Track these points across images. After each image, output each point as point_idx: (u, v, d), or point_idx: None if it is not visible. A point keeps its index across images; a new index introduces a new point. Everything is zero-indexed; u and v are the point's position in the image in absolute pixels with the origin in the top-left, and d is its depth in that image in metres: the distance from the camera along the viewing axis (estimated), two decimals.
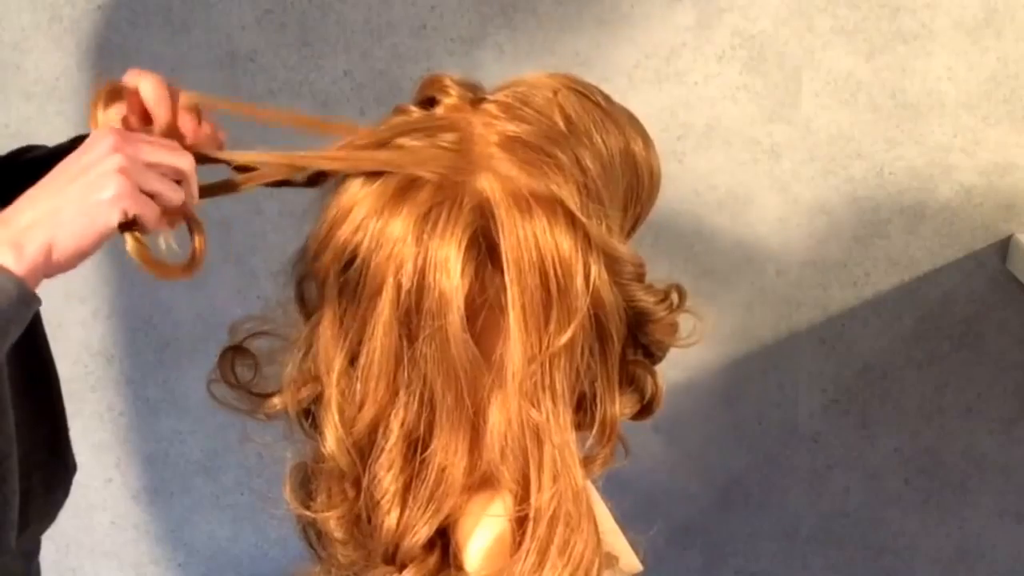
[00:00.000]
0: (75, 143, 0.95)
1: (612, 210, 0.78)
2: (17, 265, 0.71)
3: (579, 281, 0.72)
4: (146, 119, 0.84)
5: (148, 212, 0.75)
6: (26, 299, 0.72)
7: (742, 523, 1.86)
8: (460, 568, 0.79)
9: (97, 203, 0.72)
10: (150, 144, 0.77)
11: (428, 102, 0.80)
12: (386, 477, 0.77)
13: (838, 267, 1.64)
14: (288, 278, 0.82)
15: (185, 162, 0.78)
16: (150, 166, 0.75)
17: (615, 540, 0.89)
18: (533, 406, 0.73)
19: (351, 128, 0.81)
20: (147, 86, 0.82)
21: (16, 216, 0.73)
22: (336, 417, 0.78)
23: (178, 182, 0.78)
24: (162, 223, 0.77)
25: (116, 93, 0.83)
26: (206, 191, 0.82)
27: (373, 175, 0.76)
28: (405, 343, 0.74)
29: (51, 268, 0.73)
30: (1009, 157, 1.56)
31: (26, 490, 0.98)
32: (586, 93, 0.80)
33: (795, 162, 1.57)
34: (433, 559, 0.79)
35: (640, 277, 0.79)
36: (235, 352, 0.86)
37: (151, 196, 0.75)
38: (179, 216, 0.80)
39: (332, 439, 0.78)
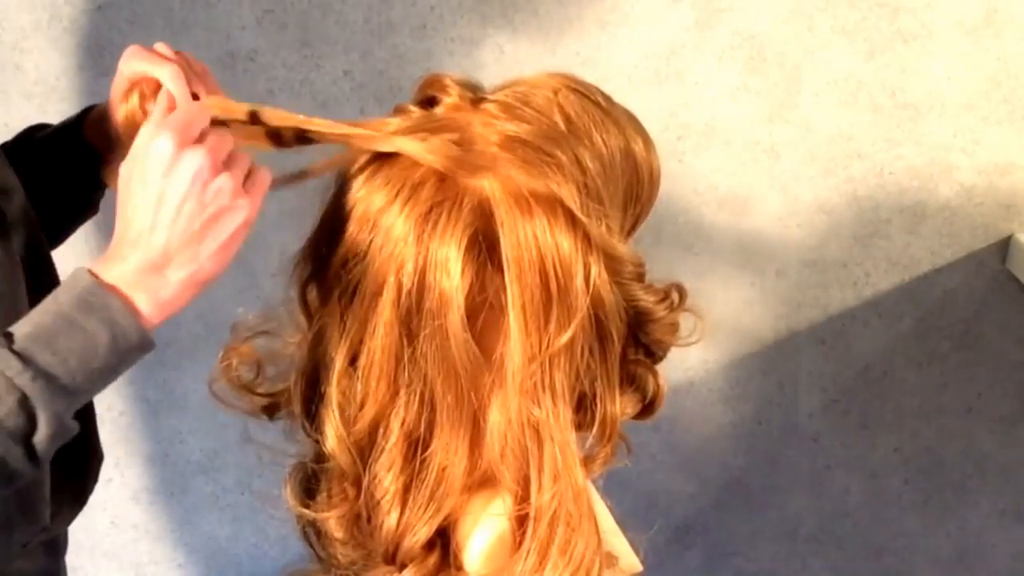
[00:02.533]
0: (84, 115, 0.97)
1: (612, 210, 0.78)
2: (154, 315, 0.76)
3: (579, 281, 0.72)
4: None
5: (262, 197, 0.79)
6: (144, 346, 0.76)
7: (742, 523, 1.86)
8: (460, 568, 0.79)
9: (235, 235, 0.77)
10: (223, 142, 0.78)
11: (428, 102, 0.80)
12: (386, 477, 0.77)
13: (838, 267, 1.64)
14: (289, 278, 0.82)
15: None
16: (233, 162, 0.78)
17: (615, 540, 0.89)
18: (533, 405, 0.73)
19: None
20: (166, 74, 0.85)
21: (161, 268, 0.75)
22: (337, 416, 0.78)
23: None
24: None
25: (136, 86, 0.86)
26: None
27: (373, 174, 0.76)
28: (406, 343, 0.74)
29: (178, 311, 0.78)
30: (1009, 157, 1.56)
31: (58, 472, 0.99)
32: (586, 93, 0.80)
33: (795, 162, 1.57)
34: (433, 559, 0.79)
35: (640, 277, 0.79)
36: (237, 351, 0.86)
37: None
38: None
39: (333, 438, 0.78)
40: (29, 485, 0.93)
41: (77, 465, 1.05)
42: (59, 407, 0.73)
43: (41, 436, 0.73)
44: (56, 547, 1.09)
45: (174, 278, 0.76)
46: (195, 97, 0.85)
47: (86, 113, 1.00)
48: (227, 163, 0.77)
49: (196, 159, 0.75)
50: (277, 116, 0.81)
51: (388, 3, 1.47)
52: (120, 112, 0.88)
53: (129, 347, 0.75)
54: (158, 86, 0.86)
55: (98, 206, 1.08)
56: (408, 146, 0.74)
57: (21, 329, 0.73)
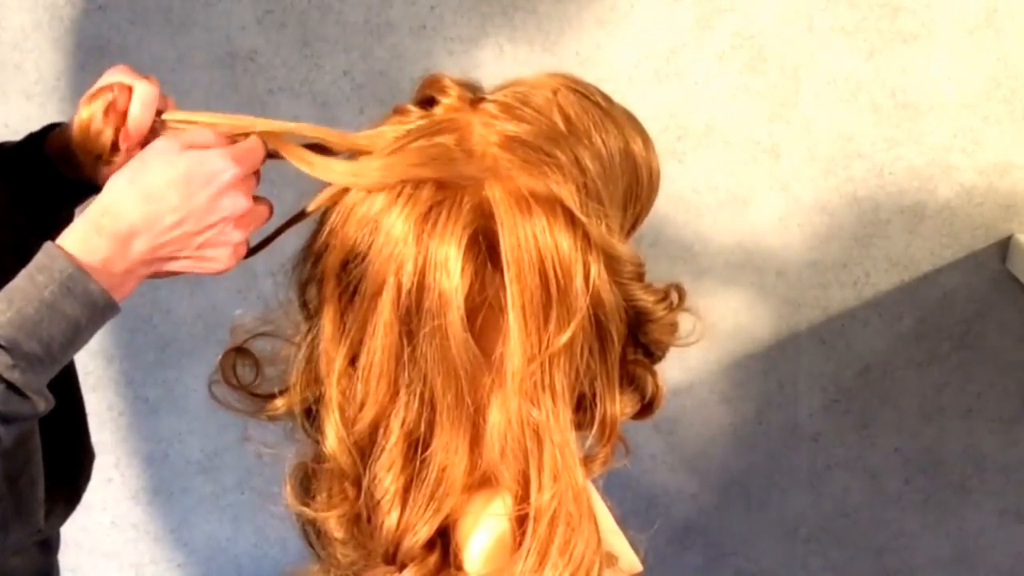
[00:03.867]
0: (48, 131, 0.97)
1: (612, 210, 0.78)
2: (119, 294, 0.77)
3: (579, 281, 0.72)
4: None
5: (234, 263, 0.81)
6: (115, 312, 0.78)
7: (742, 523, 1.86)
8: (460, 568, 0.79)
9: (207, 268, 0.80)
10: (260, 213, 0.82)
11: (427, 102, 0.80)
12: (387, 477, 0.77)
13: (838, 267, 1.64)
14: (288, 278, 0.82)
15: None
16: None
17: (615, 540, 0.89)
18: (533, 405, 0.73)
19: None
20: (141, 91, 0.84)
21: (130, 239, 0.77)
22: (337, 417, 0.78)
23: None
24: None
25: (109, 88, 0.84)
26: None
27: None
28: (405, 343, 0.74)
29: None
30: (1009, 157, 1.56)
31: (51, 472, 0.99)
32: (586, 93, 0.80)
33: (795, 162, 1.57)
34: (433, 559, 0.79)
35: (640, 276, 0.80)
36: (236, 353, 0.86)
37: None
38: None
39: (333, 438, 0.78)
40: (23, 488, 0.93)
41: (70, 465, 1.05)
42: (43, 384, 0.76)
43: (35, 414, 0.75)
44: (49, 546, 1.10)
45: (146, 270, 0.79)
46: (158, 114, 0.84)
47: (49, 130, 0.99)
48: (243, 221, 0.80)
49: (238, 201, 0.78)
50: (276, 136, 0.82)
51: (388, 3, 1.47)
52: (81, 113, 0.84)
53: (104, 318, 0.78)
54: (127, 100, 0.83)
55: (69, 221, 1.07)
56: (406, 174, 0.74)
57: (3, 315, 0.74)
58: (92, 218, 0.77)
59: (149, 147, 0.79)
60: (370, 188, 0.75)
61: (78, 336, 0.76)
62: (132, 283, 0.79)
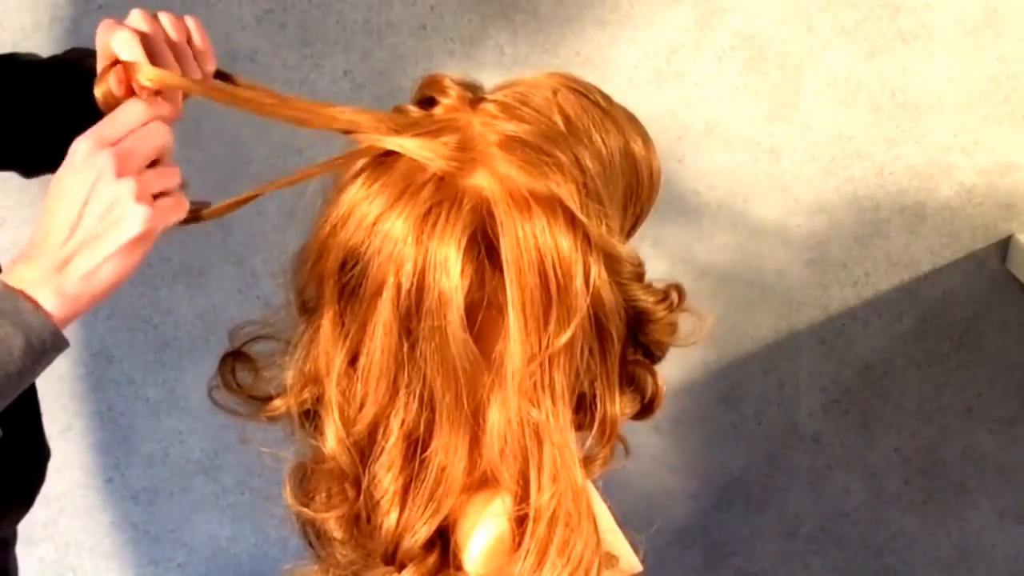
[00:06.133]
0: (73, 53, 0.98)
1: (612, 210, 0.78)
2: (59, 311, 0.75)
3: (579, 281, 0.72)
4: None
5: (172, 216, 0.77)
6: (58, 345, 0.76)
7: (742, 523, 1.86)
8: (459, 568, 0.79)
9: (131, 244, 0.75)
10: (142, 146, 0.77)
11: (427, 102, 0.80)
12: (386, 477, 0.77)
13: (838, 267, 1.64)
14: (288, 279, 0.82)
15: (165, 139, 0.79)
16: (150, 167, 0.77)
17: (615, 540, 0.89)
18: (533, 406, 0.73)
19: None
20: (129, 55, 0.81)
21: (33, 248, 0.75)
22: (336, 417, 0.78)
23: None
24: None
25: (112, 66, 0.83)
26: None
27: (372, 175, 0.76)
28: (405, 343, 0.74)
29: (86, 309, 0.77)
30: (1009, 157, 1.56)
31: (7, 476, 0.99)
32: (585, 93, 0.80)
33: (795, 162, 1.57)
34: (432, 559, 0.79)
35: (639, 276, 0.79)
36: (235, 357, 0.86)
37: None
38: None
39: (333, 439, 0.78)
40: None
41: (26, 467, 1.04)
42: None
43: None
44: (6, 543, 1.09)
45: (75, 275, 0.75)
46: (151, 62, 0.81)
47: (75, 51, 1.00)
48: (146, 169, 0.76)
49: (99, 160, 0.74)
50: (266, 104, 0.81)
51: (388, 3, 1.47)
52: (97, 92, 0.82)
53: (44, 348, 0.75)
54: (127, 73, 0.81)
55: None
56: (406, 144, 0.74)
57: None
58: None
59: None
60: (372, 143, 0.75)
61: (12, 359, 0.73)
62: (77, 292, 0.75)
